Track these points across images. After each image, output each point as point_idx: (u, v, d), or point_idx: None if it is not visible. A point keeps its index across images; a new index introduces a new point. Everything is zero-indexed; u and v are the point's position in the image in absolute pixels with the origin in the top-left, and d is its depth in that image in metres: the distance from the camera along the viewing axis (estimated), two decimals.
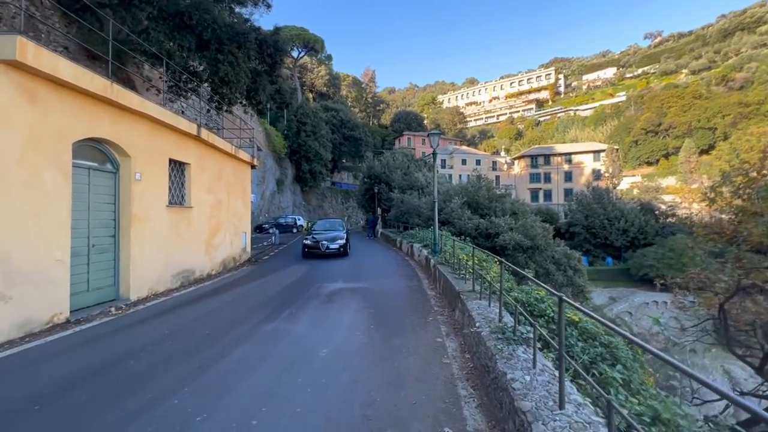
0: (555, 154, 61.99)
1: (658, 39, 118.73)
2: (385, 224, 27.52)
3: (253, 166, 14.07)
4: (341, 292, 8.04)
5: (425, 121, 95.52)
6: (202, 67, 11.80)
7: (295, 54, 61.07)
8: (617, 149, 58.69)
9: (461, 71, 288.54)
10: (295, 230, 33.43)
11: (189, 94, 13.24)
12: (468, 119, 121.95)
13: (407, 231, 18.17)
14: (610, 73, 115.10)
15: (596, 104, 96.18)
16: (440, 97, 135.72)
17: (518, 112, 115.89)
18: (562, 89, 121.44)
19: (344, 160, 63.54)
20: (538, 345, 2.88)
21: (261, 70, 14.21)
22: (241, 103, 14.42)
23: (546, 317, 4.37)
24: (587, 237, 45.27)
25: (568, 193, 58.43)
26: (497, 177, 60.84)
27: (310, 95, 73.24)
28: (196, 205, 9.74)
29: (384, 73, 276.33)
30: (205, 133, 9.66)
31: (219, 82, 12.06)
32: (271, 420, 2.89)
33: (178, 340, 4.98)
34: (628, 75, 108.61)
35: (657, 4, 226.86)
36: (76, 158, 6.16)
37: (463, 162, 65.38)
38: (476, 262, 6.69)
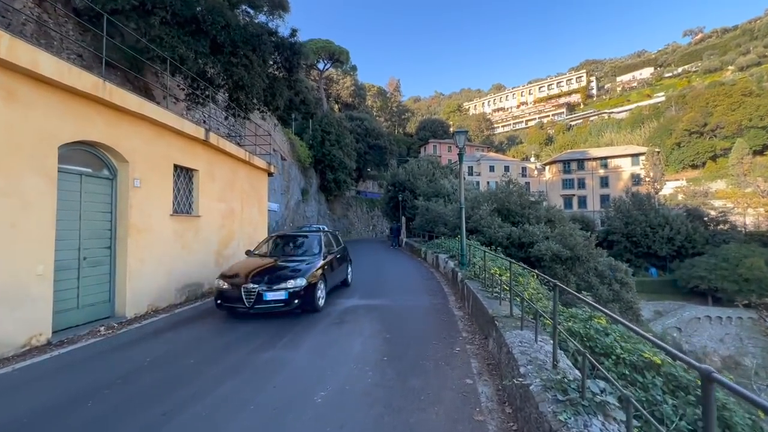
0: (589, 159, 58.88)
1: (699, 36, 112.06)
2: (409, 233, 26.49)
3: (270, 174, 13.54)
4: (356, 310, 7.11)
5: (451, 129, 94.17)
6: (215, 71, 11.41)
7: (320, 66, 61.88)
8: (658, 152, 54.92)
9: (487, 78, 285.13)
10: None
11: (207, 101, 12.96)
12: (495, 126, 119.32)
13: (432, 240, 17.09)
14: (646, 73, 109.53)
15: (632, 106, 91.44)
16: (466, 104, 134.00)
17: (548, 116, 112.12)
18: (594, 92, 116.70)
19: (369, 169, 63.22)
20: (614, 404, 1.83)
21: (279, 75, 13.79)
22: (258, 109, 14.02)
23: (615, 357, 3.25)
24: (627, 246, 42.22)
25: (604, 199, 55.14)
26: (527, 183, 58.34)
27: (336, 106, 73.94)
28: (206, 214, 9.18)
29: (409, 82, 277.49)
30: (214, 138, 9.13)
31: (234, 87, 11.65)
32: None
33: (157, 371, 4.22)
34: (666, 75, 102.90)
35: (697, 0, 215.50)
36: (65, 163, 5.66)
37: (491, 169, 63.37)
38: (512, 277, 5.64)
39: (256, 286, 6.30)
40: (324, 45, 58.36)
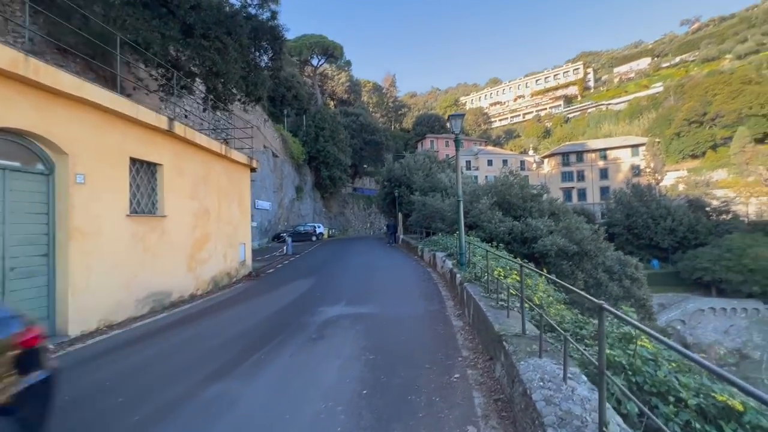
0: (588, 151, 58.01)
1: (696, 25, 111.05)
2: (406, 230, 25.55)
3: (252, 169, 12.55)
4: (339, 321, 6.16)
5: (448, 124, 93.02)
6: (186, 56, 10.38)
7: (314, 62, 60.72)
8: (658, 142, 54.07)
9: (484, 72, 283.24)
10: (314, 238, 32.10)
11: (182, 92, 11.91)
12: (492, 120, 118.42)
13: (429, 237, 16.16)
14: (643, 64, 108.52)
15: (630, 97, 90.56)
16: (463, 99, 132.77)
17: (545, 109, 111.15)
18: (591, 84, 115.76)
19: (365, 166, 62.23)
20: None
21: (260, 63, 12.77)
22: (239, 99, 13.00)
23: (674, 399, 2.32)
24: (629, 238, 41.39)
25: (604, 191, 54.34)
26: (526, 177, 57.33)
27: (331, 102, 72.77)
28: (174, 214, 8.21)
29: (405, 78, 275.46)
30: (180, 128, 8.14)
31: (209, 74, 10.64)
32: None
33: (67, 415, 3.27)
34: (664, 65, 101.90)
35: None
36: None
37: (489, 163, 62.49)
38: (517, 280, 4.70)
39: None
40: (317, 40, 57.09)
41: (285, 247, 19.39)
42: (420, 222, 20.61)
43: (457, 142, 8.45)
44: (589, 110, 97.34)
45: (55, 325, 5.63)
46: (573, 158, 58.58)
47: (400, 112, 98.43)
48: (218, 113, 16.03)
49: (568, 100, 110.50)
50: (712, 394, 2.35)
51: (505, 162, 61.10)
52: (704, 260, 36.34)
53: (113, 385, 3.93)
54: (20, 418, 2.02)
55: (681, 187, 50.37)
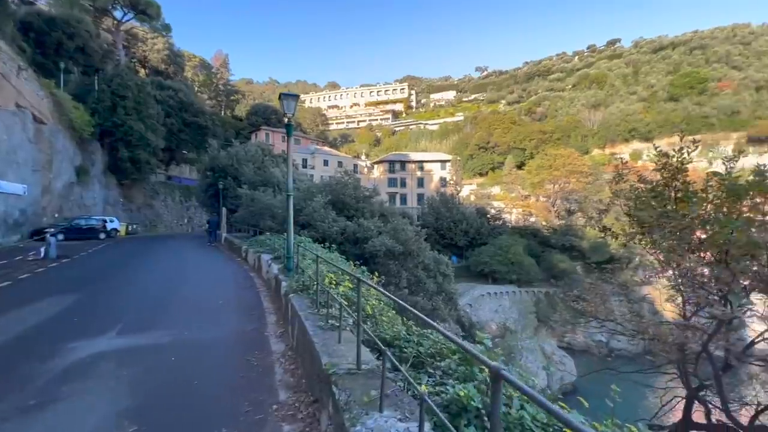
0: (409, 161, 66.09)
1: (485, 73, 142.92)
2: (231, 228, 22.54)
3: None
4: (98, 363, 4.09)
5: (280, 103, 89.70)
6: None
7: (118, 14, 48.13)
8: (459, 160, 66.51)
9: (323, 74, 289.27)
10: (102, 235, 24.85)
11: None
12: (330, 122, 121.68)
13: (257, 237, 14.37)
14: (450, 95, 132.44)
15: (441, 121, 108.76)
16: (302, 97, 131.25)
17: (377, 120, 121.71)
18: (414, 104, 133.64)
19: (185, 151, 53.20)
20: None
21: None
22: None
23: None
24: (437, 238, 48.90)
25: (420, 197, 62.95)
26: (359, 179, 60.91)
27: (142, 70, 59.31)
28: None
29: (241, 62, 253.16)
30: None
31: None
32: None
33: None
34: (464, 99, 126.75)
35: (483, 43, 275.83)
36: None
37: (325, 163, 63.41)
38: (350, 287, 4.01)
39: None
40: None
41: (44, 248, 13.78)
42: (247, 219, 18.36)
43: (289, 127, 7.32)
44: (411, 126, 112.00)
45: None
46: (398, 166, 65.62)
47: (232, 98, 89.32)
48: None
49: (396, 114, 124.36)
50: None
51: (340, 163, 63.14)
52: (485, 256, 46.14)
53: None
54: None
55: (472, 197, 63.14)
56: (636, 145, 70.36)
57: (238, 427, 2.79)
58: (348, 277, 5.44)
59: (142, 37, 61.46)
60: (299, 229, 14.86)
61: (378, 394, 2.13)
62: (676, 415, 5.86)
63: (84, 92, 33.19)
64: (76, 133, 29.52)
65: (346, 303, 4.03)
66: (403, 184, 64.89)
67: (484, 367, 1.94)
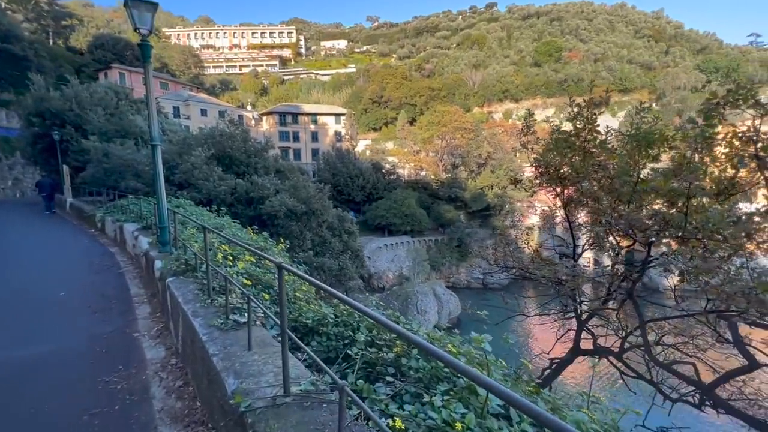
0: (302, 114, 62.10)
1: (377, 24, 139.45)
2: (77, 192, 17.87)
3: None
4: None
5: (126, 11, 73.62)
6: None
7: None
8: (354, 114, 65.13)
9: (193, 6, 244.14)
10: None
11: None
12: (206, 65, 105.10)
13: (116, 201, 11.45)
14: (342, 44, 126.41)
15: (333, 71, 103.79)
16: (167, 30, 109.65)
17: (262, 66, 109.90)
18: (303, 51, 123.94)
19: None
20: None
21: None
22: None
23: None
24: (334, 194, 48.13)
25: (315, 152, 60.45)
26: (247, 131, 54.87)
27: None
28: None
29: None
30: None
31: None
32: None
33: None
34: (356, 50, 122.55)
35: None
36: None
37: (203, 113, 55.15)
38: (252, 262, 3.04)
39: None
40: None
41: None
42: (102, 179, 14.61)
43: (145, 47, 5.37)
44: (302, 76, 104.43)
45: None
46: (289, 119, 61.09)
47: (64, 23, 69.29)
48: None
49: (284, 61, 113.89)
50: None
51: (222, 113, 55.67)
52: (381, 210, 47.60)
53: None
54: None
55: (368, 152, 63.31)
56: (508, 105, 78.85)
57: None
58: (248, 253, 4.35)
59: None
60: (175, 191, 12.37)
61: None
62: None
63: None
64: None
65: (248, 282, 3.07)
66: (296, 138, 61.18)
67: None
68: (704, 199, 4.75)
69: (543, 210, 56.65)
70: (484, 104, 79.61)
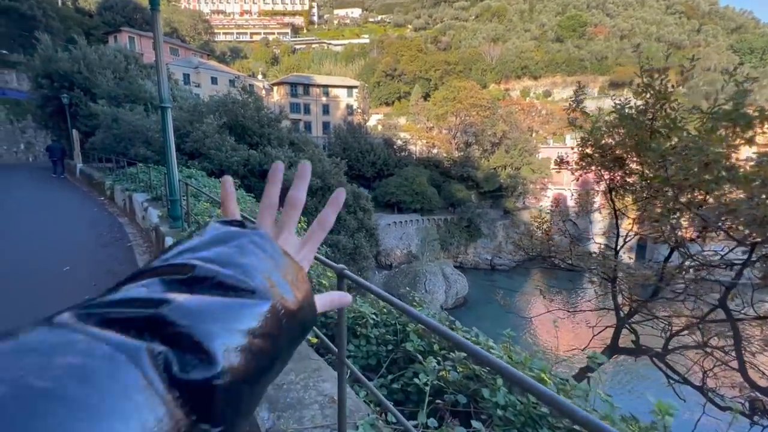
0: (314, 85, 60.58)
1: None
2: (87, 157, 17.57)
3: None
4: None
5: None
6: None
7: None
8: (366, 87, 63.33)
9: None
10: None
11: None
12: (216, 31, 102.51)
13: (125, 169, 11.07)
14: (356, 13, 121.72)
15: (346, 42, 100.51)
16: None
17: (273, 34, 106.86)
18: (315, 19, 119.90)
19: (4, 51, 39.18)
20: None
21: None
22: None
23: None
24: (345, 170, 47.59)
25: (326, 126, 59.35)
26: (261, 99, 53.83)
27: None
28: None
29: None
30: None
31: None
32: None
33: None
34: (371, 19, 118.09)
35: None
36: None
37: (213, 81, 54.05)
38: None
39: None
40: None
41: None
42: (111, 146, 14.22)
43: None
44: (314, 45, 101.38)
45: None
46: (300, 90, 59.68)
47: None
48: None
49: (296, 29, 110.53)
50: None
51: (232, 82, 54.52)
52: (392, 187, 46.96)
53: None
54: None
55: (380, 127, 61.95)
56: (526, 82, 75.86)
57: None
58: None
59: None
60: (186, 160, 11.94)
61: None
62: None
63: None
64: None
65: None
66: (307, 111, 59.96)
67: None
68: None
69: (556, 193, 55.32)
70: (501, 81, 76.69)
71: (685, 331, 4.93)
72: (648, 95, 5.13)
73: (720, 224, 4.19)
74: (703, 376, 4.79)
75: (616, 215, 6.01)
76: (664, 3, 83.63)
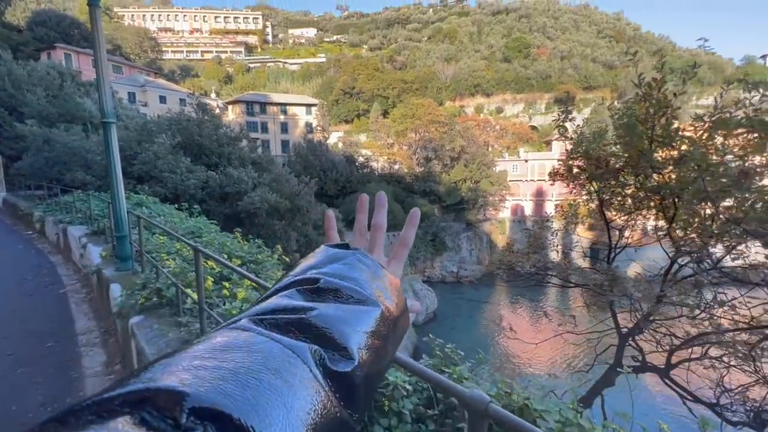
0: (271, 103, 59.36)
1: (346, 13, 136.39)
2: (12, 185, 15.43)
3: None
4: None
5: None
6: None
7: None
8: (325, 105, 63.07)
9: None
10: None
11: None
12: (164, 49, 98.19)
13: (60, 197, 9.62)
14: (311, 33, 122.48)
15: (302, 61, 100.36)
16: (119, 10, 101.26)
17: (226, 53, 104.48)
18: (270, 38, 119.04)
19: None
20: None
21: None
22: None
23: None
24: (315, 189, 46.53)
25: (285, 145, 58.05)
26: (219, 117, 51.53)
27: None
28: None
29: None
30: None
31: None
32: None
33: None
34: (326, 39, 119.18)
35: None
36: None
37: (162, 99, 51.22)
38: (254, 286, 1.96)
39: None
40: None
41: None
42: (42, 171, 12.50)
43: None
44: (269, 64, 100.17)
45: None
46: (257, 108, 58.20)
47: None
48: None
49: (249, 48, 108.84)
50: None
51: (183, 101, 51.95)
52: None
53: None
54: None
55: (341, 145, 61.62)
56: (479, 99, 79.46)
57: None
58: (245, 281, 3.14)
59: None
60: (134, 184, 10.67)
61: None
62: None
63: None
64: None
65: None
66: (265, 129, 58.44)
67: None
68: None
69: (513, 204, 57.39)
70: (456, 98, 79.81)
71: (687, 346, 4.83)
72: (648, 104, 5.12)
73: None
74: (715, 391, 4.65)
75: (608, 226, 5.96)
76: (595, 28, 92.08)
